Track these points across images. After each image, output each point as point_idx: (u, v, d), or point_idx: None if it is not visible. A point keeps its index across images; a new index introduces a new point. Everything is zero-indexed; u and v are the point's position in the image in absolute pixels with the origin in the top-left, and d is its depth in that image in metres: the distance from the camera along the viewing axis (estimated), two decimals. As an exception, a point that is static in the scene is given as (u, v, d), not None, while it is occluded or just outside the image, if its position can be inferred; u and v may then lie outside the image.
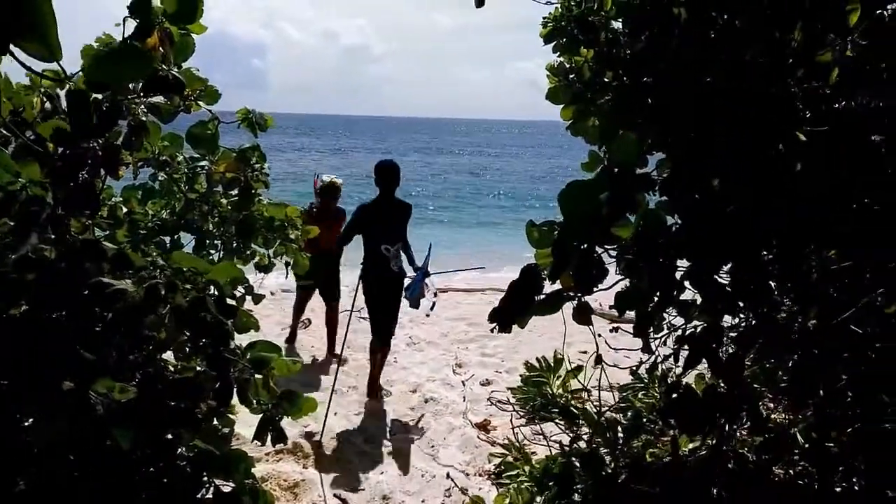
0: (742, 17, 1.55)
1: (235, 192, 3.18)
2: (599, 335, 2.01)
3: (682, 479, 2.37)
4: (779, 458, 2.33)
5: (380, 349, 5.59)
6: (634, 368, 3.65)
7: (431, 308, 5.79)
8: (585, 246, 1.36)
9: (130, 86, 2.07)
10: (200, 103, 2.56)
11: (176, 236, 3.50)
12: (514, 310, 1.42)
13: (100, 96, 2.14)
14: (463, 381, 6.20)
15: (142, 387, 1.71)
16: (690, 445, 3.52)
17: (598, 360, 2.30)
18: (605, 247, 1.43)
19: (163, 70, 1.99)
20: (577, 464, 2.49)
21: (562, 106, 3.65)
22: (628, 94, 2.58)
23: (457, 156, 57.92)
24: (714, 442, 2.43)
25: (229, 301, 2.54)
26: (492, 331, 1.52)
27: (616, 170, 1.44)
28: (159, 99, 2.20)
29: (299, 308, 7.02)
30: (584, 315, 1.49)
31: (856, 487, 2.20)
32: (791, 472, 2.51)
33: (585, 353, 6.46)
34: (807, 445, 2.36)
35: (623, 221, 1.37)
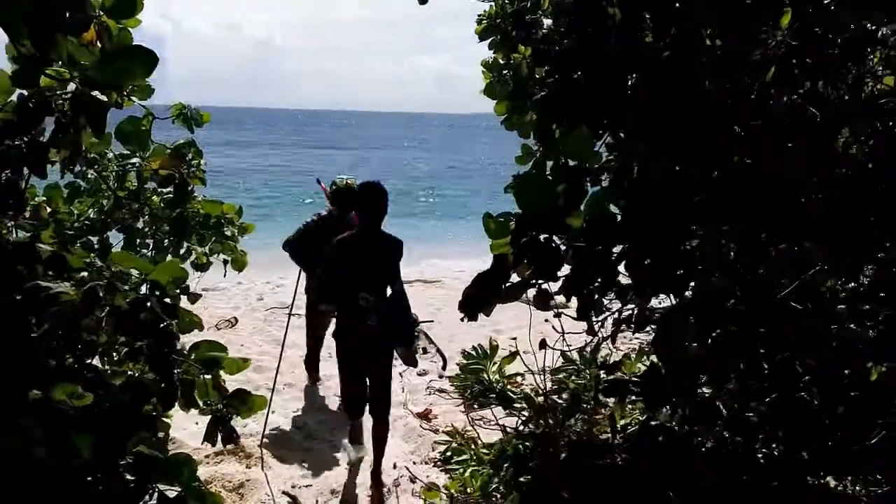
0: (678, 23, 1.67)
1: (169, 189, 3.10)
2: (546, 321, 2.10)
3: (620, 452, 2.52)
4: (709, 428, 2.51)
5: (377, 429, 4.13)
6: (567, 351, 3.87)
7: (443, 367, 4.84)
8: (544, 236, 1.45)
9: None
10: (133, 98, 2.49)
11: (104, 235, 3.40)
12: (482, 299, 1.49)
13: (25, 92, 2.07)
14: (400, 373, 6.26)
15: (94, 391, 1.68)
16: (622, 422, 3.73)
17: (543, 344, 2.40)
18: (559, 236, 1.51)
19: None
20: (529, 445, 2.61)
21: (496, 101, 3.76)
22: (563, 90, 2.69)
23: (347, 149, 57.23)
24: (644, 417, 2.59)
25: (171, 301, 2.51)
26: (462, 320, 1.59)
27: (571, 164, 1.53)
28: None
29: (315, 337, 5.88)
30: (545, 301, 1.58)
31: (775, 452, 2.40)
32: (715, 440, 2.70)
33: (515, 339, 6.75)
34: (730, 415, 2.55)
35: (576, 212, 1.46)
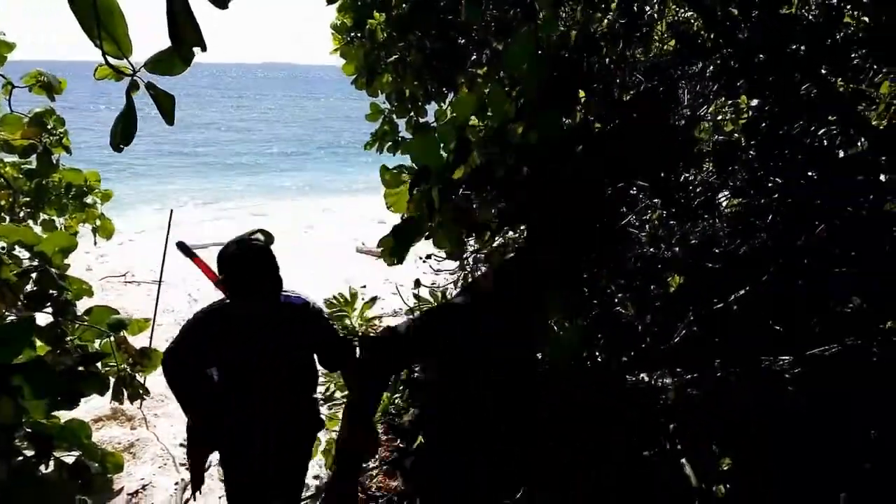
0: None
1: (32, 158, 3.03)
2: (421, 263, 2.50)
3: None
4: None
5: None
6: (436, 289, 4.39)
7: None
8: (440, 186, 1.82)
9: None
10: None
11: (-48, 210, 3.24)
12: (402, 245, 1.85)
13: None
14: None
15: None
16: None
17: (417, 283, 2.81)
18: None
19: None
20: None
21: (345, 62, 4.02)
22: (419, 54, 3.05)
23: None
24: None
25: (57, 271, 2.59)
26: (390, 265, 1.92)
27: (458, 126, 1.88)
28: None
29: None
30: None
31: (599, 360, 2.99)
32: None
33: (365, 287, 7.23)
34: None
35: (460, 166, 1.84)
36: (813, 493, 1.90)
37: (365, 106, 4.32)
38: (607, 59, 2.23)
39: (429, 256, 2.87)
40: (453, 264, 2.50)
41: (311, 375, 2.42)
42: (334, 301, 6.55)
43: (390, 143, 4.18)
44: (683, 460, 2.12)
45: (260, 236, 2.21)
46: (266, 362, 2.24)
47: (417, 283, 2.74)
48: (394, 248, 1.87)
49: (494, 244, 2.95)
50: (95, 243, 3.75)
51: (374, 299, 5.88)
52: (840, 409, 1.95)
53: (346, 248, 9.75)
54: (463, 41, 3.13)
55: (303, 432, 2.46)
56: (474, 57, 3.09)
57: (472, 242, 2.53)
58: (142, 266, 8.18)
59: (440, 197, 1.77)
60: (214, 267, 2.22)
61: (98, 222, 3.52)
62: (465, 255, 2.45)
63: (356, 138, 27.56)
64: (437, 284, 4.69)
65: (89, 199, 3.55)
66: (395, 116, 4.17)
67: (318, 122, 38.18)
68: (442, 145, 1.80)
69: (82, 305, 2.51)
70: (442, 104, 3.50)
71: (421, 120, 4.06)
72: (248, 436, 2.32)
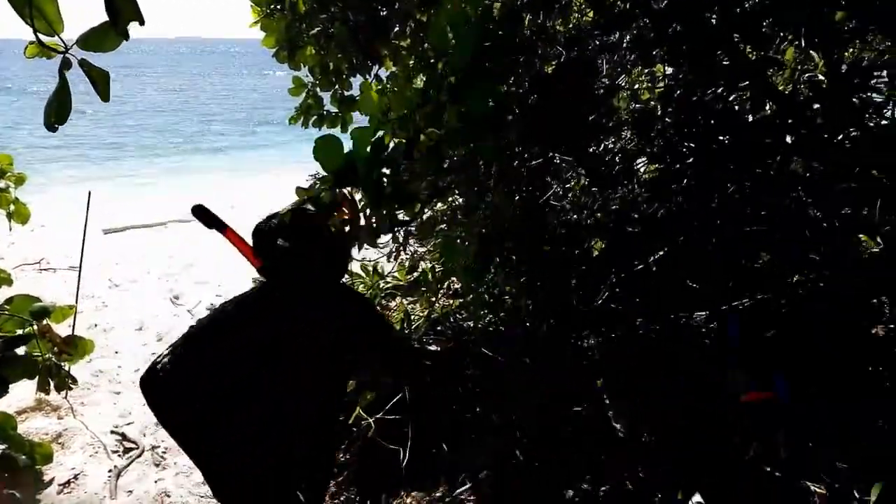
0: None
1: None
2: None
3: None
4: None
5: None
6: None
7: None
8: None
9: None
10: None
11: None
12: None
13: None
14: (189, 310, 6.28)
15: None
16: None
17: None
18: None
19: None
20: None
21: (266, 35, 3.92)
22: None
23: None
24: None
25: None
26: None
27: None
28: None
29: None
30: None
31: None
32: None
33: None
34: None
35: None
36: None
37: (279, 81, 4.21)
38: (528, 31, 2.26)
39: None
40: (384, 238, 2.51)
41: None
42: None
43: (315, 118, 4.11)
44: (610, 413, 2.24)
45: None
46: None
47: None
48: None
49: (425, 216, 2.97)
50: (10, 229, 3.53)
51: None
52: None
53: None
54: (386, 13, 3.10)
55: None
56: (397, 29, 3.07)
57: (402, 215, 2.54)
58: (56, 252, 7.76)
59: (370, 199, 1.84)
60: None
61: (12, 207, 3.32)
62: (395, 229, 2.45)
63: (273, 116, 26.89)
64: (366, 259, 4.71)
65: (1, 184, 3.34)
66: (318, 90, 4.10)
67: (230, 97, 36.87)
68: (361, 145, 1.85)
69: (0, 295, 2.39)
70: (367, 77, 3.46)
71: (346, 93, 4.01)
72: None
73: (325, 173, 1.92)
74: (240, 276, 6.44)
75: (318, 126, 4.07)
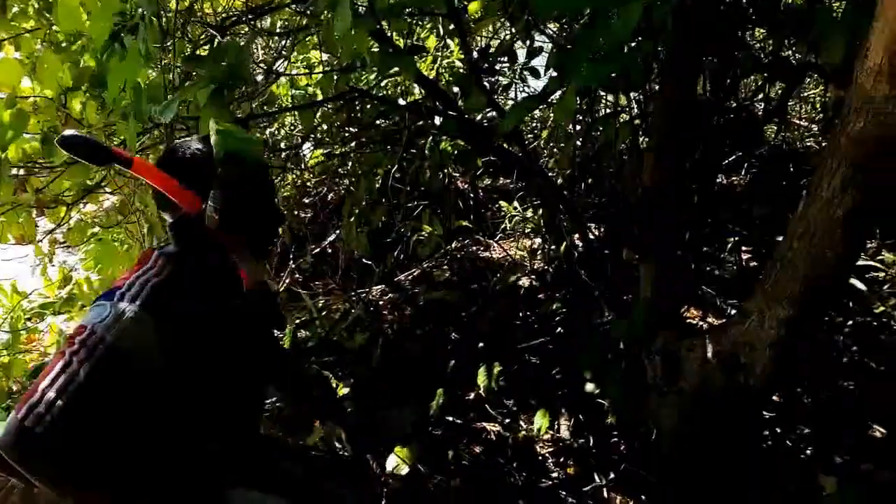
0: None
1: None
2: None
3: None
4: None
5: None
6: None
7: None
8: None
9: None
10: None
11: None
12: None
13: None
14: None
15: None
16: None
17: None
18: None
19: None
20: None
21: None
22: None
23: None
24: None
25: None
26: None
27: None
28: None
29: None
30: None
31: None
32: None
33: None
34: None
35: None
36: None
37: None
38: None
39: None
40: (26, 249, 2.09)
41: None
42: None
43: None
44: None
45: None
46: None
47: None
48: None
49: (71, 222, 2.59)
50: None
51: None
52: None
53: None
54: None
55: None
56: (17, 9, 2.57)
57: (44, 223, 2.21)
58: None
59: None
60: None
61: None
62: (38, 239, 2.12)
63: None
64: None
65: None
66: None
67: None
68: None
69: None
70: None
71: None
72: None
73: None
74: None
75: None
